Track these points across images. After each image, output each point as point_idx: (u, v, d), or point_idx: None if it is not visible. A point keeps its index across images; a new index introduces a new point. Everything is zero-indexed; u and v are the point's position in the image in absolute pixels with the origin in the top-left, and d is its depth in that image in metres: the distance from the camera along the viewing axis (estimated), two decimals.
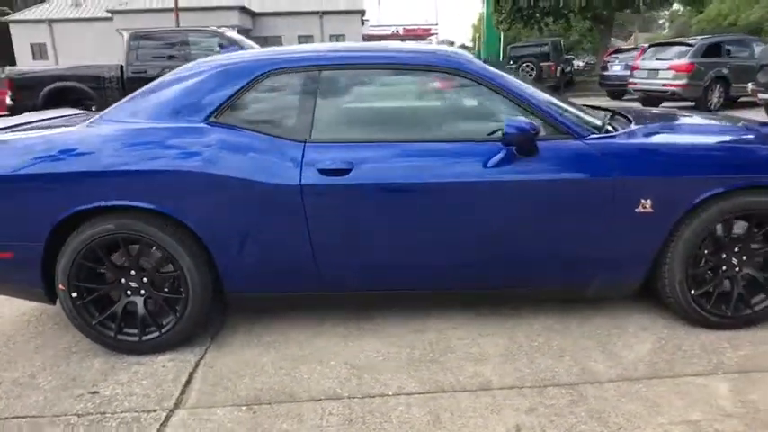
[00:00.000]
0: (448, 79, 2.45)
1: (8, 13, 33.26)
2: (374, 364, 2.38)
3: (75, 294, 2.41)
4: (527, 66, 16.28)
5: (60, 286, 2.40)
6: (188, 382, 2.30)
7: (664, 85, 11.08)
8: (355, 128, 2.41)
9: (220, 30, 9.31)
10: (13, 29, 32.70)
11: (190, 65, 2.63)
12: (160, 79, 2.59)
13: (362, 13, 34.55)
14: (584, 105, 3.41)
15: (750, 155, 2.42)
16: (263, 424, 2.02)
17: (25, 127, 2.69)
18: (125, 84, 8.91)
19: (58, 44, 32.14)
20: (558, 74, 16.30)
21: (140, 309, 2.49)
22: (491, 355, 2.41)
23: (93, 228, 2.34)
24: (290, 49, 2.64)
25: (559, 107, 2.51)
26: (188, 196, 2.32)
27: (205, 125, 2.37)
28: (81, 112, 3.06)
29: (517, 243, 2.41)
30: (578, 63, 29.86)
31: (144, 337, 2.47)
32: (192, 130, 2.35)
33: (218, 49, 8.13)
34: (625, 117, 2.89)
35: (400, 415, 2.04)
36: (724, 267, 2.53)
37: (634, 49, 15.42)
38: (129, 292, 2.48)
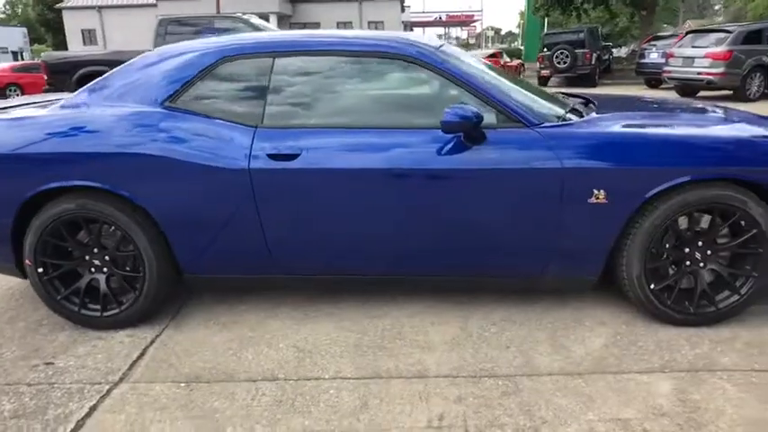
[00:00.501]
0: (402, 66, 2.42)
1: (61, 0, 34.60)
2: (320, 348, 2.40)
3: (41, 270, 2.52)
4: (561, 53, 15.82)
5: (27, 261, 2.52)
6: (139, 357, 2.38)
7: (699, 73, 10.60)
8: (306, 114, 2.42)
9: (245, 16, 9.45)
10: (66, 15, 33.98)
11: (154, 51, 2.69)
12: (126, 64, 2.65)
13: None
14: (560, 93, 3.33)
15: (712, 147, 2.31)
16: (196, 401, 2.07)
17: (5, 110, 2.82)
18: None
19: (106, 30, 33.22)
20: (592, 61, 15.77)
21: (102, 286, 2.58)
22: (438, 344, 2.40)
23: (55, 207, 2.44)
24: (247, 36, 2.67)
25: (515, 95, 2.44)
26: (142, 178, 2.39)
27: (160, 110, 2.43)
28: (62, 95, 3.16)
29: (465, 230, 2.38)
30: (623, 51, 28.87)
31: (105, 313, 2.57)
32: (147, 114, 2.41)
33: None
34: (594, 104, 2.80)
35: (329, 399, 2.06)
36: (687, 262, 2.43)
37: (673, 35, 14.78)
38: (92, 270, 2.58)
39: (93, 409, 2.05)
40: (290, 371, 2.24)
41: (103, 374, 2.26)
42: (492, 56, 19.66)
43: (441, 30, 69.87)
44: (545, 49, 16.75)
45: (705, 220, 2.39)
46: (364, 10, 32.60)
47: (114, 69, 2.65)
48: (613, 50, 23.31)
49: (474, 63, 2.68)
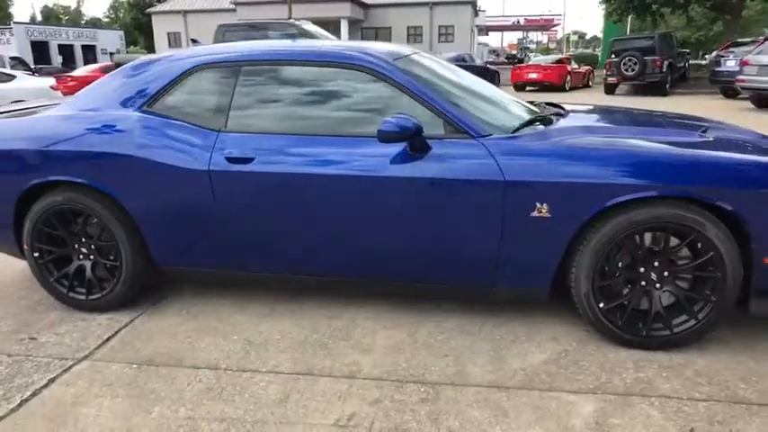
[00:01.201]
0: (358, 76, 2.50)
1: (154, 5, 37.17)
2: (269, 343, 2.53)
3: (36, 254, 2.81)
4: (629, 59, 15.12)
5: (25, 246, 2.82)
6: (109, 338, 2.61)
7: None
8: (264, 120, 2.54)
9: (297, 22, 9.80)
10: (155, 19, 36.38)
11: (140, 59, 2.92)
12: (117, 70, 2.90)
13: (473, 3, 33.96)
14: (544, 103, 3.28)
15: (657, 164, 2.21)
16: (139, 381, 2.25)
17: (8, 113, 3.16)
18: None
19: (190, 33, 35.21)
20: (663, 69, 14.97)
21: (88, 272, 2.83)
22: (379, 347, 2.46)
23: (46, 199, 2.72)
24: (218, 47, 2.84)
25: (466, 106, 2.46)
26: (118, 175, 2.61)
27: (137, 113, 2.64)
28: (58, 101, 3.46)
29: (411, 238, 2.42)
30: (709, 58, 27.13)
31: (89, 297, 2.82)
32: (124, 117, 2.63)
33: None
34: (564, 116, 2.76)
35: (256, 390, 2.18)
36: (642, 282, 2.35)
37: (753, 41, 13.76)
38: (80, 257, 2.84)
39: (51, 381, 2.27)
40: (233, 362, 2.38)
41: (73, 351, 2.49)
42: (559, 62, 19.15)
43: (519, 34, 68.57)
44: (612, 56, 16.10)
45: (660, 239, 2.30)
46: (435, 14, 32.60)
47: (106, 76, 2.91)
48: (690, 58, 21.93)
49: (440, 73, 2.72)
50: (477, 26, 39.22)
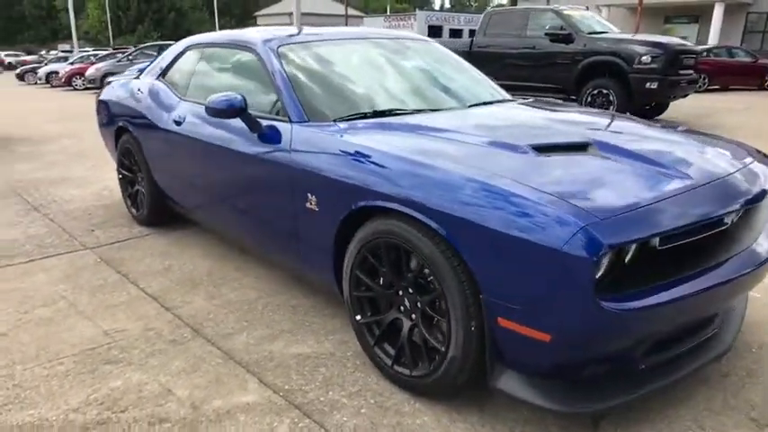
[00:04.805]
0: (251, 58, 2.79)
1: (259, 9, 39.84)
2: (180, 265, 3.14)
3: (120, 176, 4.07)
4: None
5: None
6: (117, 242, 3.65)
7: None
8: (198, 91, 3.08)
9: (560, 8, 9.28)
10: (260, 21, 38.66)
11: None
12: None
13: None
14: None
15: (402, 172, 1.85)
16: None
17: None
18: (470, 57, 10.16)
19: None
20: None
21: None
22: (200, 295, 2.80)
23: (122, 136, 3.89)
24: (205, 34, 3.45)
25: (300, 94, 2.47)
26: (134, 121, 3.58)
27: (156, 81, 3.53)
28: None
29: (248, 204, 2.65)
30: None
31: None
32: (145, 84, 3.57)
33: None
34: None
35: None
36: (388, 304, 2.06)
37: None
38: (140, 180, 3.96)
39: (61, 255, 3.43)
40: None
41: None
42: None
43: None
44: None
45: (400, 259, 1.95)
46: None
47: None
48: None
49: (327, 61, 2.73)
50: None
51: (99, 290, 2.91)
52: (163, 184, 3.52)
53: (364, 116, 2.40)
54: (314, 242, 2.28)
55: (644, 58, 7.82)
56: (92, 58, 21.76)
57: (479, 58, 10.09)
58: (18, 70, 26.80)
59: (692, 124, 8.85)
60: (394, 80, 2.77)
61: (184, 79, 3.30)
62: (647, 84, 7.83)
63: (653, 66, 7.80)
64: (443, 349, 1.81)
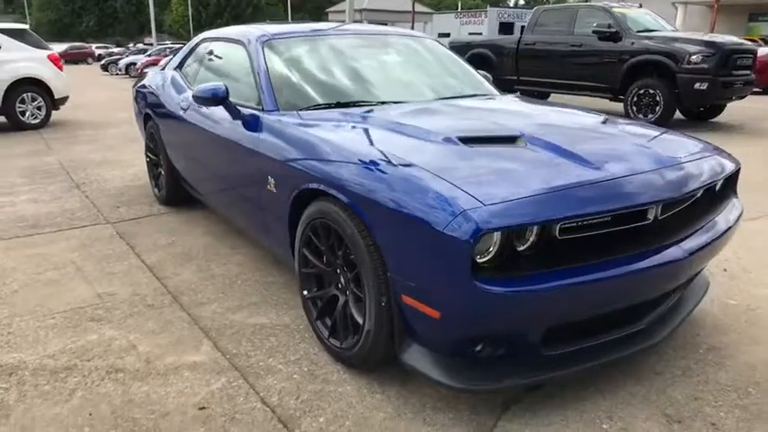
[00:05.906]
0: (242, 51, 3.00)
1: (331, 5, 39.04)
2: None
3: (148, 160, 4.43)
4: None
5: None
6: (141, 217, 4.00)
7: None
8: (202, 81, 3.32)
9: (609, 5, 9.01)
10: (331, 17, 37.79)
11: None
12: None
13: None
14: None
15: (325, 152, 2.01)
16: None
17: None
18: (518, 54, 10.05)
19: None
20: None
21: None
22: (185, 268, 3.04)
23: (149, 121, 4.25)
24: (215, 30, 3.69)
25: (277, 85, 2.65)
26: (156, 109, 3.90)
27: (174, 72, 3.83)
28: None
29: (238, 191, 2.85)
30: None
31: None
32: (167, 74, 3.87)
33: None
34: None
35: None
36: (327, 281, 2.23)
37: None
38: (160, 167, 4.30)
39: (85, 226, 3.80)
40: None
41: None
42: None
43: None
44: None
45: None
46: None
47: None
48: None
49: (306, 56, 2.90)
50: None
51: (105, 258, 3.23)
52: (177, 166, 3.82)
53: (328, 107, 2.56)
54: (274, 223, 2.47)
55: (693, 57, 7.48)
56: (167, 50, 23.07)
57: (526, 55, 9.96)
58: (103, 61, 28.67)
59: (746, 127, 8.37)
60: (368, 74, 2.90)
61: (194, 70, 3.58)
62: (696, 84, 7.49)
63: (703, 65, 7.45)
64: (362, 323, 1.95)
